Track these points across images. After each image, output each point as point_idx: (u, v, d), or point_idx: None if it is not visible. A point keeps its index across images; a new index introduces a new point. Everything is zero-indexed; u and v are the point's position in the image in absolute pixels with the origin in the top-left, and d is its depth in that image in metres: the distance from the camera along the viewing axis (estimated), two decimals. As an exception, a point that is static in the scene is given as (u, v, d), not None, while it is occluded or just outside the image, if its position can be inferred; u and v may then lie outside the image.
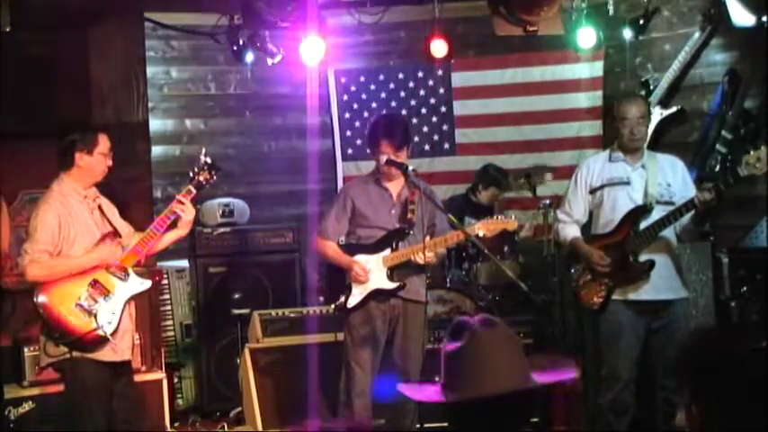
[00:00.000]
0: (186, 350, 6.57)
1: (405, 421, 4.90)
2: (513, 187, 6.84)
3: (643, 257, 4.72)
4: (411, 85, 7.53)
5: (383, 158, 4.83)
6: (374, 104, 7.50)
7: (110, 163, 4.51)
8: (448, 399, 2.11)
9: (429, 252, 4.69)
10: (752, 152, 4.46)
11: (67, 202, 4.41)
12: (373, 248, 4.87)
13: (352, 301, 4.85)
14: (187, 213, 4.57)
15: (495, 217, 4.81)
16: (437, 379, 2.18)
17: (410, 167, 4.83)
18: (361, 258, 4.85)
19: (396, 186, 4.93)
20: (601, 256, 4.76)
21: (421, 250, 4.70)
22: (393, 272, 4.83)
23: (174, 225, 4.60)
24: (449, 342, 2.13)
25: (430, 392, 2.17)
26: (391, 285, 4.83)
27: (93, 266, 4.39)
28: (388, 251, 4.84)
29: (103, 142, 4.48)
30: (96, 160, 4.46)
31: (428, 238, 4.78)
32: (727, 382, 2.00)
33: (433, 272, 6.45)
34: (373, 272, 4.83)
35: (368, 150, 5.05)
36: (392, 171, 4.80)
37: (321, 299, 6.52)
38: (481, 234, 4.73)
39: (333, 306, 4.97)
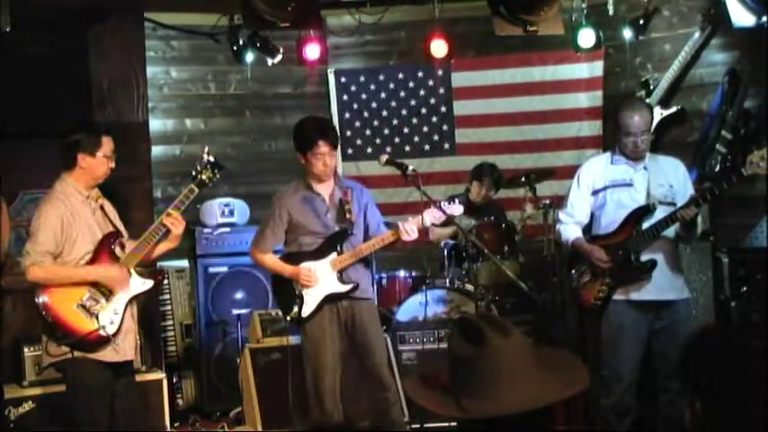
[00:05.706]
0: (186, 350, 6.57)
1: (390, 414, 4.88)
2: (502, 185, 6.81)
3: (645, 257, 4.71)
4: (411, 85, 7.53)
5: (383, 158, 4.86)
6: (374, 104, 7.51)
7: (112, 165, 4.49)
8: (462, 407, 2.01)
9: (411, 225, 4.69)
10: (755, 151, 4.44)
11: (70, 201, 4.38)
12: (318, 254, 4.84)
13: (307, 310, 4.82)
14: (177, 227, 4.50)
15: (439, 204, 4.81)
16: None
17: (410, 167, 4.83)
18: (308, 265, 4.83)
19: (326, 189, 4.91)
20: (601, 252, 4.75)
21: (403, 232, 4.68)
22: (343, 274, 4.84)
23: (167, 233, 4.54)
24: (459, 343, 2.02)
25: (439, 401, 2.06)
26: (344, 288, 4.82)
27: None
28: (334, 255, 4.83)
29: (107, 144, 4.45)
30: (98, 162, 4.43)
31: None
32: (732, 379, 1.99)
33: (433, 271, 6.47)
34: (324, 277, 4.81)
35: (299, 153, 4.93)
36: (326, 171, 4.81)
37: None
38: (428, 222, 4.76)
39: (288, 318, 4.91)
